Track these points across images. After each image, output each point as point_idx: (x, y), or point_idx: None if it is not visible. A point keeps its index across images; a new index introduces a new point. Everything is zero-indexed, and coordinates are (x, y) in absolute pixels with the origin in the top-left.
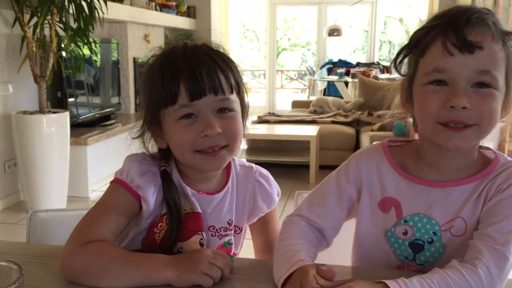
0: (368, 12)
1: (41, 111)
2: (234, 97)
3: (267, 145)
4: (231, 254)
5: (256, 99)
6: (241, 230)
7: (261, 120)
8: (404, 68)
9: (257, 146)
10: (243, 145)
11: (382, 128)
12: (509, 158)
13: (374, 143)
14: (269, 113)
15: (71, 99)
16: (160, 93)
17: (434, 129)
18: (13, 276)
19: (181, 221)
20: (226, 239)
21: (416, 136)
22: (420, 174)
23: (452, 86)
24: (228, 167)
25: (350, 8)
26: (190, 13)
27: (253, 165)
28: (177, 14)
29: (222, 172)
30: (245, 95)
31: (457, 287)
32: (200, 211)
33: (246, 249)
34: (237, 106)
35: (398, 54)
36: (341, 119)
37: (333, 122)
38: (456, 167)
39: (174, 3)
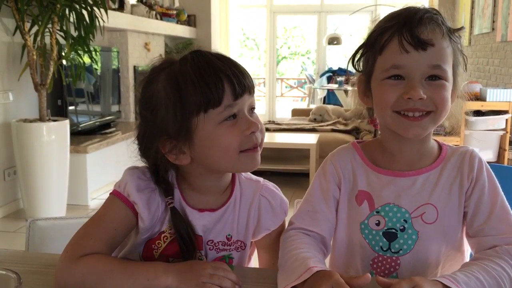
0: (367, 20)
1: (41, 119)
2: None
3: (267, 153)
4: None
5: (256, 107)
6: (245, 246)
7: None
8: (360, 65)
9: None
10: None
11: None
12: (447, 144)
13: (344, 145)
14: (269, 121)
15: (71, 107)
16: (199, 97)
17: (393, 119)
18: (12, 284)
19: (195, 249)
20: (224, 253)
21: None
22: (387, 165)
23: (409, 80)
24: (233, 180)
25: (349, 17)
26: (190, 21)
27: (261, 179)
28: (177, 22)
29: (226, 185)
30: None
31: (495, 273)
32: (200, 233)
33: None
34: None
35: (355, 53)
36: (341, 127)
37: (333, 130)
38: (416, 155)
39: (174, 12)
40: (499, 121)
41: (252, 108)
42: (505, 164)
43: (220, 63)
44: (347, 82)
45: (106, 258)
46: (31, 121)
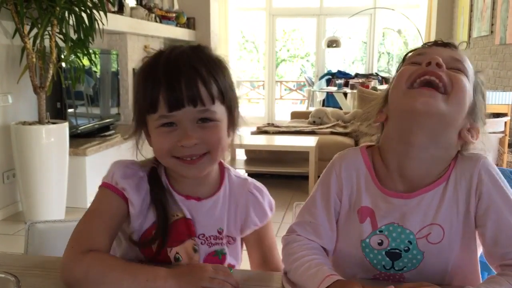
0: (366, 23)
1: (40, 121)
2: (216, 107)
3: (266, 156)
4: (226, 265)
5: (255, 109)
6: (235, 241)
7: (260, 131)
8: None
9: (256, 157)
10: (242, 156)
11: None
12: (464, 153)
13: (351, 149)
14: (268, 123)
15: (70, 110)
16: (143, 100)
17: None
18: (10, 287)
19: (168, 218)
20: (217, 247)
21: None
22: (391, 183)
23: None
24: (222, 175)
25: (348, 20)
26: (189, 24)
27: (248, 177)
28: (176, 25)
29: (215, 180)
30: (234, 101)
31: None
32: (189, 217)
33: (246, 261)
34: (220, 115)
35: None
36: (340, 129)
37: (332, 133)
38: (422, 173)
39: (173, 15)
40: (498, 124)
41: (204, 119)
42: (504, 166)
43: (163, 71)
44: (346, 84)
45: (109, 256)
46: (30, 123)
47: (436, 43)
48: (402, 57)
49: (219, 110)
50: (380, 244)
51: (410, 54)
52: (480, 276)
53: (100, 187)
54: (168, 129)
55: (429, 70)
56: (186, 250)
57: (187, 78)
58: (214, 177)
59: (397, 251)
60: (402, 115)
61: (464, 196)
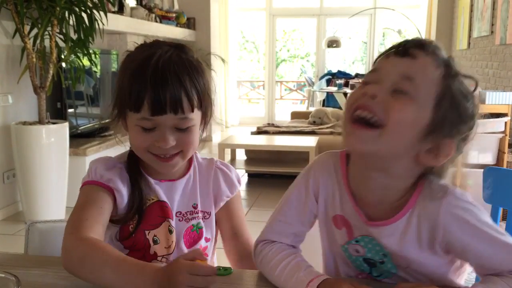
0: (366, 23)
1: (40, 122)
2: (194, 114)
3: (266, 156)
4: (203, 238)
5: (256, 110)
6: (210, 215)
7: (260, 131)
8: None
9: (256, 157)
10: (243, 156)
11: None
12: (432, 180)
13: (332, 152)
14: (268, 124)
15: (70, 110)
16: (127, 97)
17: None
18: (11, 287)
19: (143, 199)
20: (194, 222)
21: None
22: (361, 206)
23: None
24: (190, 159)
25: (349, 20)
26: (189, 24)
27: (213, 158)
28: (176, 25)
29: (184, 164)
30: (209, 105)
31: None
32: (164, 199)
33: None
34: (196, 120)
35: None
36: (340, 130)
37: (332, 133)
38: (373, 196)
39: (173, 15)
40: (498, 124)
41: (182, 128)
42: (504, 167)
43: (155, 79)
44: (346, 85)
45: (104, 247)
46: (30, 123)
47: (396, 51)
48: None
49: (196, 116)
50: (357, 252)
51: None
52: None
53: (82, 186)
54: (147, 130)
55: (362, 104)
56: (162, 233)
57: (172, 88)
58: (184, 162)
59: (372, 261)
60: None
61: (429, 240)
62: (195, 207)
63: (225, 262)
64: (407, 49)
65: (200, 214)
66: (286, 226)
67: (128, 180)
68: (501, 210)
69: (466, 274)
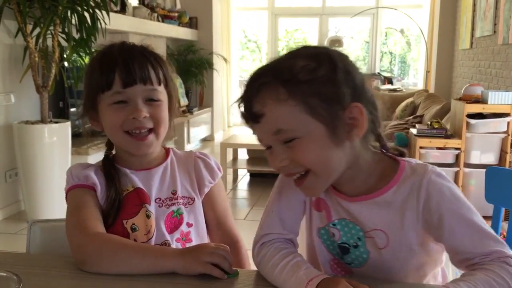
0: (369, 23)
1: (42, 121)
2: (161, 89)
3: None
4: (185, 223)
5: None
6: (193, 200)
7: None
8: None
9: (258, 157)
10: (245, 156)
11: None
12: (412, 161)
13: None
14: None
15: (72, 109)
16: (98, 80)
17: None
18: (12, 286)
19: (118, 190)
20: (173, 208)
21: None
22: (340, 186)
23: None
24: (167, 152)
25: (351, 20)
26: (192, 24)
27: (192, 150)
28: (179, 25)
29: (161, 156)
30: (174, 91)
31: (498, 285)
32: (141, 186)
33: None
34: (163, 96)
35: None
36: None
37: None
38: (359, 181)
39: (176, 14)
40: (501, 124)
41: (151, 99)
42: (507, 167)
43: (119, 56)
44: None
45: (118, 237)
46: (32, 123)
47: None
48: None
49: (163, 92)
50: (333, 236)
51: None
52: (445, 274)
53: (67, 195)
54: (120, 106)
55: (285, 174)
56: (140, 220)
57: (139, 61)
58: (159, 153)
59: (347, 245)
60: None
61: (412, 210)
62: (174, 193)
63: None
64: (249, 119)
65: (180, 200)
66: (276, 218)
67: (103, 176)
68: (503, 210)
69: (440, 276)
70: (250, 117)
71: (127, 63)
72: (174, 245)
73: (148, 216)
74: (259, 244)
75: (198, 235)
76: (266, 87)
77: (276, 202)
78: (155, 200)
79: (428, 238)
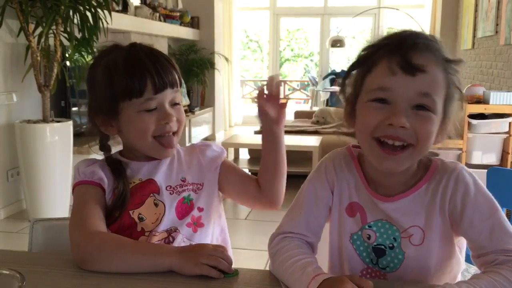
0: (371, 23)
1: (44, 120)
2: (180, 91)
3: None
4: (196, 208)
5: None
6: (202, 185)
7: None
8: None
9: (259, 156)
10: (246, 155)
11: None
12: (444, 160)
13: (339, 149)
14: None
15: (74, 109)
16: (125, 86)
17: (369, 146)
18: (15, 285)
19: (126, 184)
20: (184, 194)
21: None
22: (374, 186)
23: (393, 105)
24: None
25: (353, 20)
26: (193, 23)
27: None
28: (180, 24)
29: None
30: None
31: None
32: (149, 176)
33: (250, 260)
34: (181, 98)
35: (350, 70)
36: (344, 129)
37: (336, 133)
38: (397, 182)
39: (178, 14)
40: (502, 124)
41: (175, 104)
42: (509, 167)
43: (147, 60)
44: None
45: (117, 235)
46: (34, 122)
47: (402, 70)
48: (357, 57)
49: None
50: (369, 238)
51: (372, 77)
52: (459, 276)
53: (74, 189)
54: (150, 112)
55: (390, 135)
56: (147, 209)
57: (165, 65)
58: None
59: (382, 247)
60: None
61: (441, 204)
62: (183, 180)
63: (234, 242)
64: (414, 68)
65: (190, 187)
66: (303, 219)
67: (110, 171)
68: (505, 211)
69: (460, 274)
70: (407, 67)
71: (157, 68)
72: (185, 230)
73: (156, 205)
74: (281, 236)
75: (210, 219)
76: (432, 50)
77: (307, 204)
78: (166, 187)
79: (454, 233)
